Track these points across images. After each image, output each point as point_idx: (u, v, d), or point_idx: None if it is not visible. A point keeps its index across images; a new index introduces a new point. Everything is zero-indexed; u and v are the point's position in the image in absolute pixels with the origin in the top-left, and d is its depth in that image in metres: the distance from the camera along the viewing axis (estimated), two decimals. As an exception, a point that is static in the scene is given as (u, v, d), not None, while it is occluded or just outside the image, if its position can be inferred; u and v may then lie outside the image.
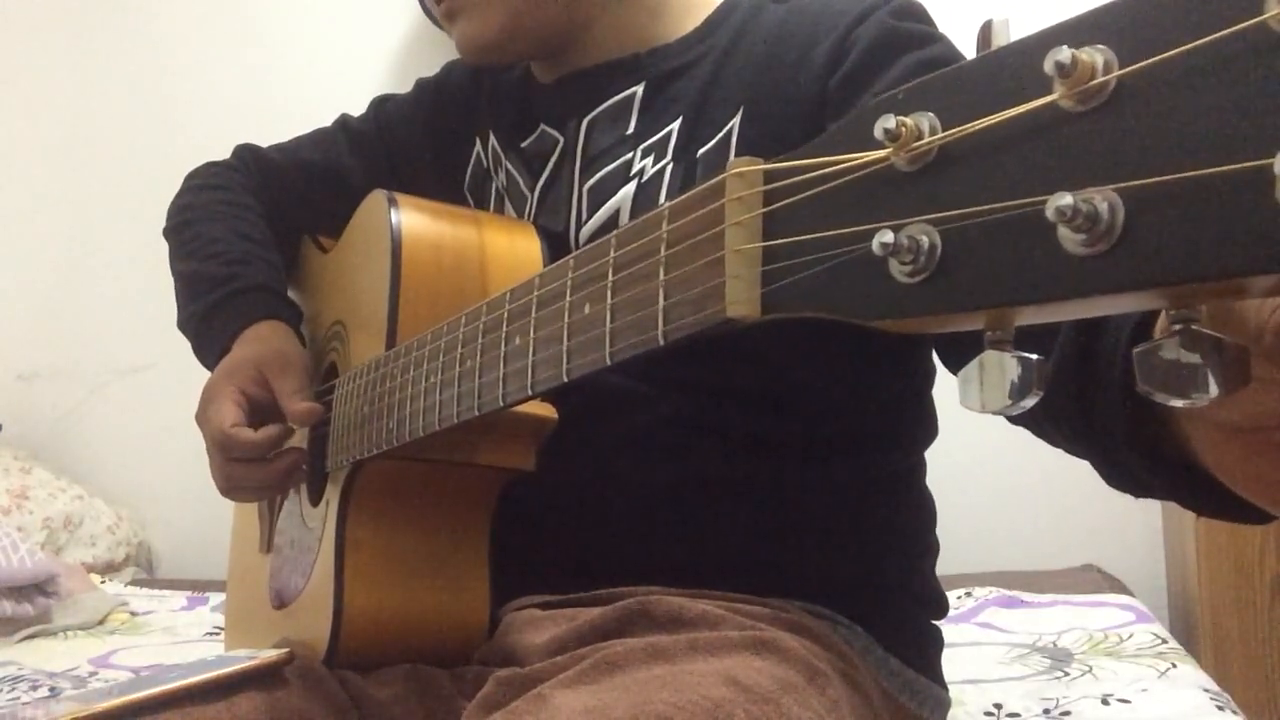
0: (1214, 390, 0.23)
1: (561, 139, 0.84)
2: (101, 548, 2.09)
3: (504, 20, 0.81)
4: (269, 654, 0.69)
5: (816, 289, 0.28)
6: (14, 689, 1.27)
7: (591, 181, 0.80)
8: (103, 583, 1.93)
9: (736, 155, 0.73)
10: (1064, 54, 0.22)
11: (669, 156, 0.77)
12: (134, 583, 2.04)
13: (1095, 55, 0.22)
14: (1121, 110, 0.22)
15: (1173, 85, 0.21)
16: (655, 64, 0.82)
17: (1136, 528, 1.89)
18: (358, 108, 1.04)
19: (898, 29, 0.72)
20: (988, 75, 0.25)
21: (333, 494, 0.77)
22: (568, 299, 0.44)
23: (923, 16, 0.75)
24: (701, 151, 0.76)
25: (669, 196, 0.76)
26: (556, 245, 0.80)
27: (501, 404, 0.53)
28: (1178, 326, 0.23)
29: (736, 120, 0.75)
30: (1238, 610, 1.57)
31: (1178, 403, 0.24)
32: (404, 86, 1.01)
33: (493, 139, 0.91)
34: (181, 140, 2.08)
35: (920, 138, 0.25)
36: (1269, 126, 0.19)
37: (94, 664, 1.44)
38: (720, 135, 0.76)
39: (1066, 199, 0.22)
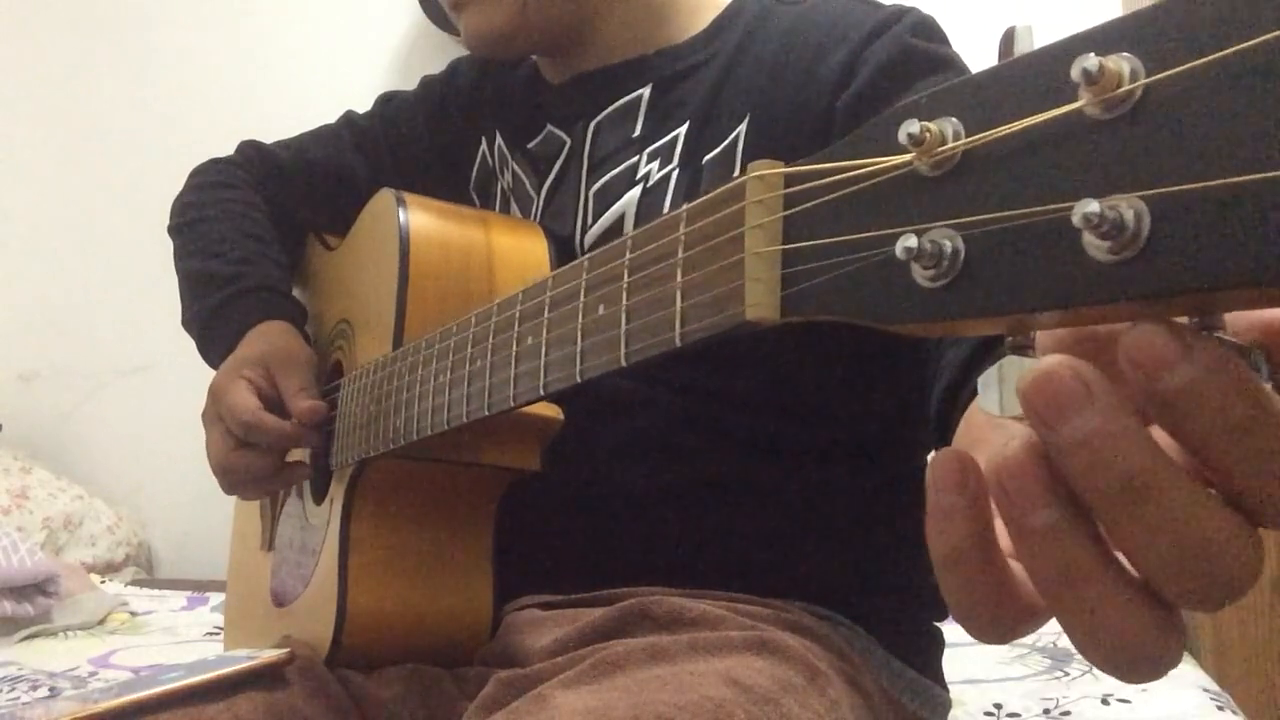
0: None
1: (569, 141, 0.84)
2: (101, 548, 2.09)
3: (511, 13, 0.80)
4: (269, 654, 0.69)
5: (837, 293, 0.29)
6: (14, 689, 1.27)
7: (598, 185, 0.80)
8: (103, 583, 1.93)
9: (743, 163, 0.73)
10: (1091, 61, 0.22)
11: (675, 162, 0.77)
12: (134, 583, 2.04)
13: (1122, 63, 0.22)
14: (1148, 118, 0.22)
15: (1199, 94, 0.21)
16: (663, 65, 0.82)
17: (1135, 528, 1.89)
18: (359, 106, 1.04)
19: (913, 51, 0.71)
20: (1013, 81, 0.25)
21: (337, 493, 0.77)
22: (582, 300, 0.44)
23: (938, 35, 0.74)
24: (708, 158, 0.76)
25: (674, 202, 0.76)
26: (562, 248, 0.80)
27: (512, 404, 0.53)
28: (1204, 335, 0.23)
29: (743, 128, 0.75)
30: (1238, 610, 1.57)
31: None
32: (405, 85, 1.01)
33: (499, 139, 0.91)
34: (182, 139, 2.07)
35: (944, 143, 0.25)
36: None
37: (94, 664, 1.43)
38: (726, 142, 0.75)
39: (1093, 205, 0.22)
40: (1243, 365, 0.22)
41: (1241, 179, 0.20)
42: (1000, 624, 0.28)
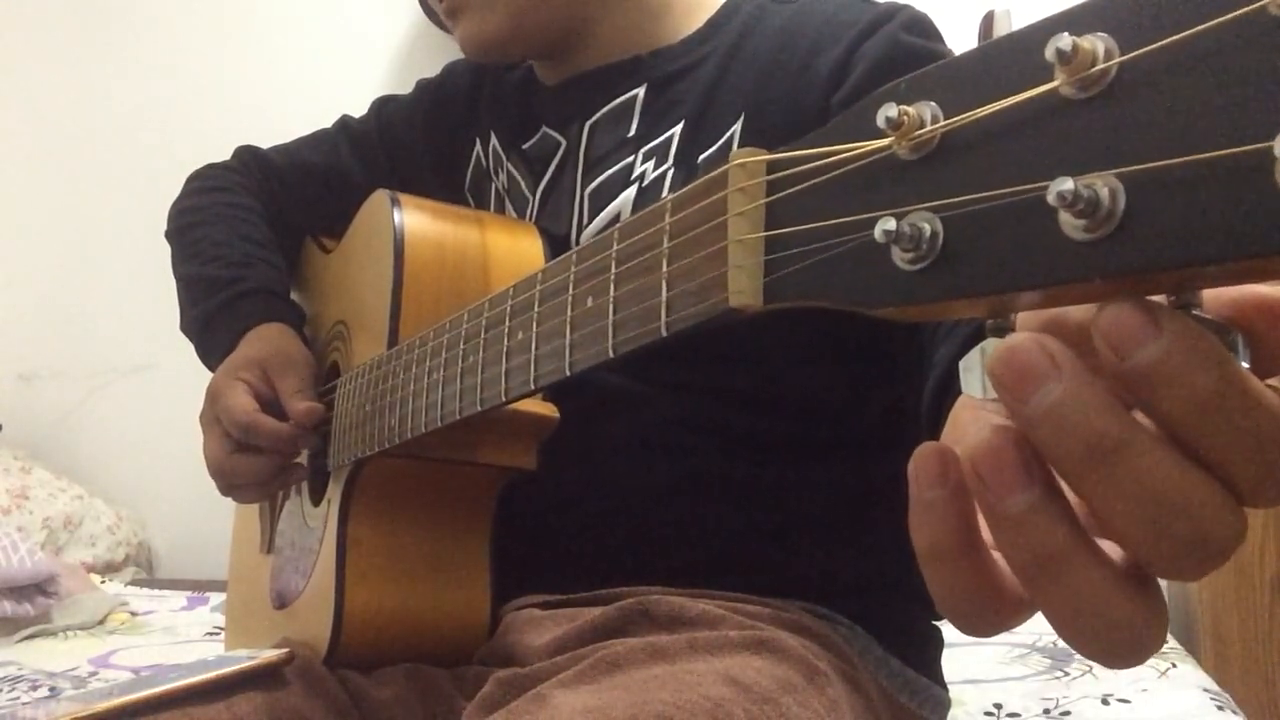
0: None
1: (564, 141, 0.84)
2: (101, 548, 2.09)
3: (506, 19, 0.81)
4: (269, 654, 0.69)
5: (819, 278, 0.29)
6: (14, 689, 1.28)
7: (593, 185, 0.80)
8: (103, 583, 1.93)
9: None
10: (1065, 41, 0.22)
11: (670, 161, 0.77)
12: (134, 583, 2.04)
13: (1096, 42, 0.22)
14: (1122, 96, 0.22)
15: (1173, 71, 0.21)
16: (658, 66, 0.82)
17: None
18: (358, 108, 1.04)
19: (906, 48, 0.71)
20: (989, 64, 0.25)
21: (334, 493, 0.77)
22: (570, 293, 0.44)
23: (932, 32, 0.74)
24: (703, 157, 0.76)
25: None
26: (558, 248, 0.80)
27: (504, 399, 0.53)
28: (1177, 312, 0.23)
29: (738, 126, 0.75)
30: (1238, 610, 1.57)
31: None
32: (404, 86, 1.02)
33: (494, 140, 0.91)
34: (182, 140, 2.08)
35: (922, 126, 0.25)
36: (1268, 110, 0.20)
37: (94, 664, 1.44)
38: (721, 141, 0.75)
39: (1068, 184, 0.22)
40: (1213, 341, 0.22)
41: (1214, 154, 0.20)
42: (984, 616, 0.28)
